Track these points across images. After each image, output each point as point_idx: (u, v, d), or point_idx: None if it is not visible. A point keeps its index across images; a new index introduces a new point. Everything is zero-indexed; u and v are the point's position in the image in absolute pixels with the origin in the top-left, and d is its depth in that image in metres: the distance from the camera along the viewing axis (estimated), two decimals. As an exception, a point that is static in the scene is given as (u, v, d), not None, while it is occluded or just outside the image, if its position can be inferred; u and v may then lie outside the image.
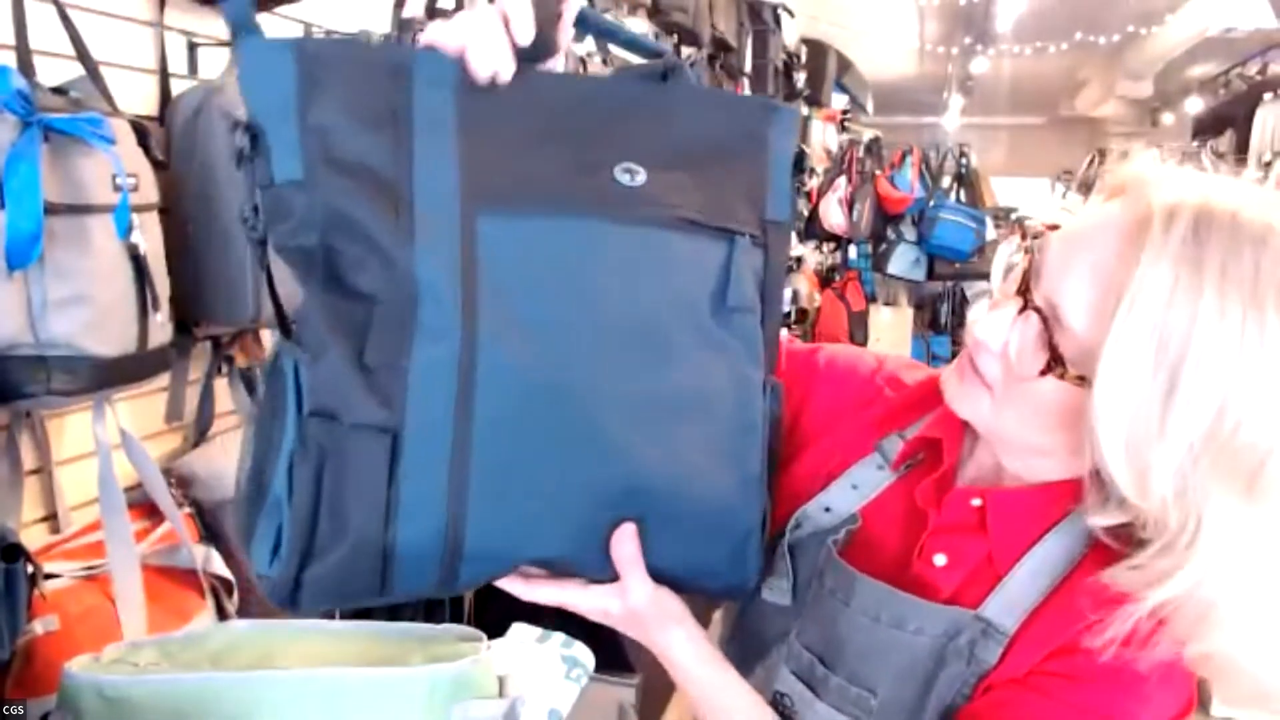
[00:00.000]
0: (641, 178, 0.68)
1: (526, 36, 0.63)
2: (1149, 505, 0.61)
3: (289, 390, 0.62)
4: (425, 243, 0.62)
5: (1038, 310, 0.65)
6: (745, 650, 0.80)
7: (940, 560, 0.74)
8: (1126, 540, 0.66)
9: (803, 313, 5.42)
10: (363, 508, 0.61)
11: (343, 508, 0.61)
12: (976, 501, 0.74)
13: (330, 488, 0.61)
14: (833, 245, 5.86)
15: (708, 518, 0.71)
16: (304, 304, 0.65)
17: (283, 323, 0.67)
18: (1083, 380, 0.62)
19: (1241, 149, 4.77)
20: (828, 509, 0.80)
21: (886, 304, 5.77)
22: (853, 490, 0.80)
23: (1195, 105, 6.37)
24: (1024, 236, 0.71)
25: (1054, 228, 0.70)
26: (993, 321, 0.67)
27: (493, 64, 0.63)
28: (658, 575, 0.70)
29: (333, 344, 0.62)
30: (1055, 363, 0.64)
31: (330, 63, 0.62)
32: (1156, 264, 0.59)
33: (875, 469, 0.81)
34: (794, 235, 0.90)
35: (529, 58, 0.66)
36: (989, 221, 5.12)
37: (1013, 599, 0.70)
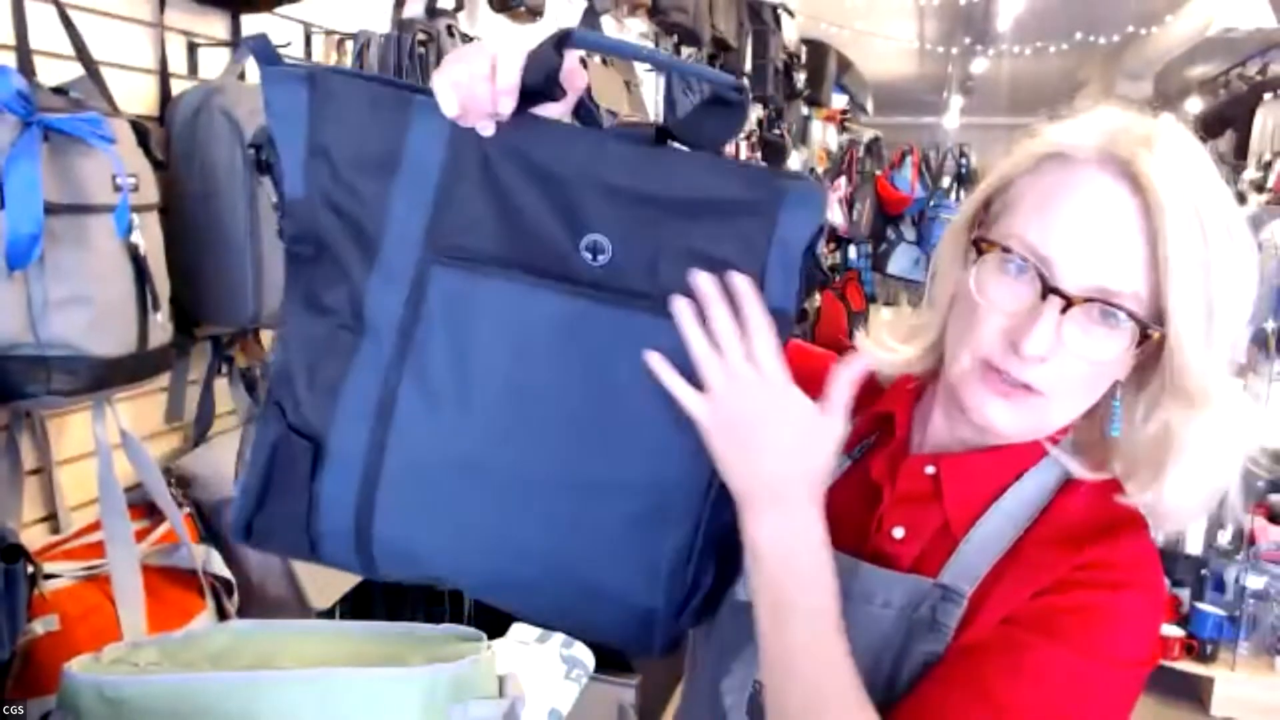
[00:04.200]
0: (606, 256, 0.66)
1: (508, 83, 0.65)
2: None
3: None
4: (379, 283, 0.68)
5: (1089, 300, 0.66)
6: (721, 648, 0.79)
7: (899, 533, 0.75)
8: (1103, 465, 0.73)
9: (803, 313, 5.41)
10: (293, 491, 0.70)
11: (283, 482, 0.70)
12: (930, 469, 0.76)
13: (278, 463, 0.70)
14: (833, 245, 5.86)
15: (601, 595, 0.71)
16: (283, 304, 0.72)
17: None
18: (1160, 329, 0.67)
19: (1241, 149, 4.77)
20: None
21: (886, 304, 5.77)
22: None
23: (1195, 105, 6.36)
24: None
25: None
26: (1041, 335, 0.66)
27: (475, 113, 0.66)
28: (551, 626, 0.75)
29: (293, 350, 0.70)
30: (1145, 329, 0.67)
31: (339, 97, 0.67)
32: (1167, 193, 0.64)
33: None
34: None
35: (529, 100, 0.67)
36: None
37: (970, 562, 0.71)
